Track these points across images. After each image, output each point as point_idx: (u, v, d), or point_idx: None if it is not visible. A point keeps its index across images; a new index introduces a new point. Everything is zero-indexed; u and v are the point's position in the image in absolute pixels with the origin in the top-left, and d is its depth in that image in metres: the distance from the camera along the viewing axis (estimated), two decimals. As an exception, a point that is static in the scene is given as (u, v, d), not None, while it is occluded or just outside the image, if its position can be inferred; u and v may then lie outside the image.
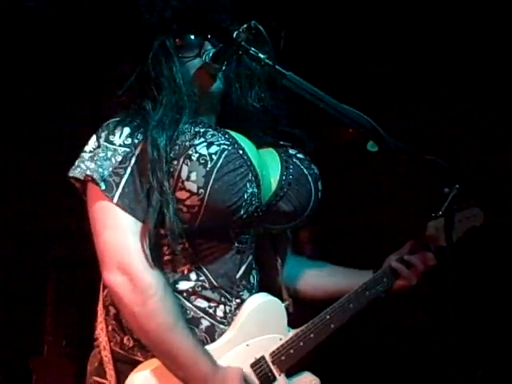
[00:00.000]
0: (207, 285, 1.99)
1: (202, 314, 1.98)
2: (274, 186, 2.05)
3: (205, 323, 1.98)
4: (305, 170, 2.10)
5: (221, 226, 1.98)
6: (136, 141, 1.94)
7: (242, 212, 1.94)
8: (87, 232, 1.97)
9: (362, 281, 2.16)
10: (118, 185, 1.90)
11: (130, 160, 1.92)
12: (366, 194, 3.37)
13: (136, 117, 1.98)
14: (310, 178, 2.09)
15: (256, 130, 2.12)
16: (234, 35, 1.88)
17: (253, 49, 1.90)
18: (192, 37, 2.03)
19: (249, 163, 1.97)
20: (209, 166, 1.89)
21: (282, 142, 2.15)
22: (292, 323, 2.08)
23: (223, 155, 1.92)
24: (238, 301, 2.03)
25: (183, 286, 1.98)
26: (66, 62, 3.43)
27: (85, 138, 1.99)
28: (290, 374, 2.06)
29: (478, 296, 3.12)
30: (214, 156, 1.91)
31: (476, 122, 3.25)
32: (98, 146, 1.94)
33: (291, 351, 2.03)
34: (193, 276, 1.98)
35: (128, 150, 1.93)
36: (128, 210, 1.90)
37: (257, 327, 2.02)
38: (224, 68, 2.00)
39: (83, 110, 3.45)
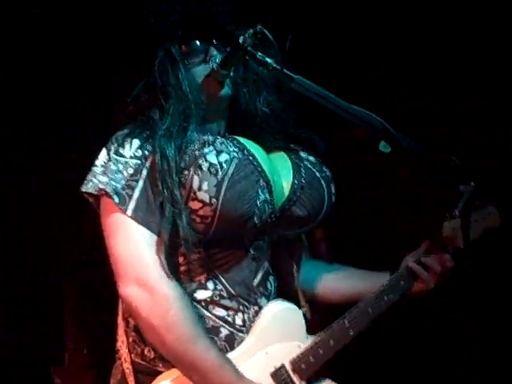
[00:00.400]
0: (225, 293, 1.99)
1: (221, 323, 1.98)
2: (286, 190, 2.04)
3: (224, 332, 1.98)
4: (317, 173, 2.09)
5: (235, 234, 1.97)
6: (146, 152, 1.94)
7: (256, 219, 1.93)
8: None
9: (379, 283, 2.13)
10: (131, 197, 1.90)
11: (142, 172, 1.92)
12: (380, 193, 3.35)
13: (144, 128, 1.98)
14: (322, 181, 2.08)
15: (266, 135, 2.11)
16: (241, 40, 1.87)
17: (259, 53, 1.89)
18: (197, 42, 2.03)
19: (260, 169, 1.96)
20: (220, 174, 1.89)
21: (292, 146, 2.14)
22: (309, 329, 2.06)
23: (233, 163, 1.92)
24: (256, 308, 2.02)
25: (201, 295, 1.98)
26: (73, 72, 3.43)
27: (95, 149, 1.99)
28: (310, 381, 2.03)
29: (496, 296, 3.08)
30: (224, 164, 1.90)
31: (481, 121, 3.21)
32: (109, 160, 1.94)
33: (311, 359, 2.01)
34: (210, 285, 1.98)
35: (139, 162, 1.93)
36: (142, 222, 1.90)
37: (275, 334, 2.01)
38: (231, 74, 1.99)
39: (91, 118, 3.45)
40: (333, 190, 2.10)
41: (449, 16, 3.16)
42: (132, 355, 1.99)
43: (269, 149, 2.11)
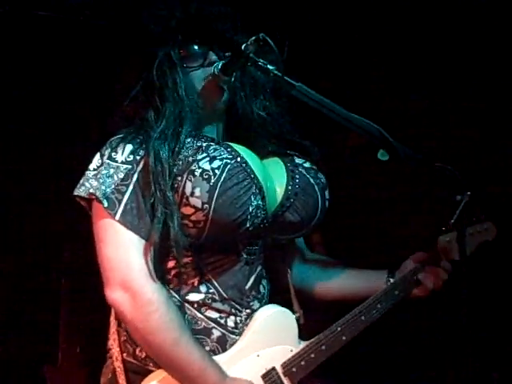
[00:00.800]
0: (217, 297, 2.00)
1: (213, 325, 2.00)
2: (280, 196, 2.05)
3: (216, 333, 2.00)
4: (311, 180, 2.09)
5: (228, 239, 1.98)
6: (138, 157, 1.96)
7: (248, 225, 1.94)
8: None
9: (376, 282, 2.17)
10: (120, 202, 1.92)
11: (132, 177, 1.94)
12: (377, 199, 3.37)
13: (139, 133, 1.99)
14: (316, 188, 2.09)
15: (261, 139, 2.13)
16: (243, 47, 1.89)
17: (261, 60, 1.91)
18: (196, 47, 2.04)
19: (252, 176, 1.97)
20: (212, 181, 1.90)
21: (287, 151, 2.15)
22: (303, 334, 2.08)
23: (226, 169, 1.93)
24: (248, 311, 2.03)
25: (194, 297, 1.99)
26: (73, 73, 3.44)
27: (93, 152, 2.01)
28: (301, 386, 2.05)
29: (492, 298, 3.10)
30: (217, 171, 1.92)
31: (483, 126, 3.24)
32: (102, 164, 1.96)
33: (302, 363, 2.03)
34: (203, 288, 2.00)
35: (130, 166, 1.95)
36: (130, 226, 1.91)
37: (267, 338, 2.02)
38: (233, 79, 2.02)
39: (93, 120, 3.47)
40: (327, 196, 2.11)
41: (449, 16, 3.17)
42: (124, 354, 2.01)
43: (264, 153, 2.12)
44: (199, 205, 1.89)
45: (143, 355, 1.98)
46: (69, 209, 2.17)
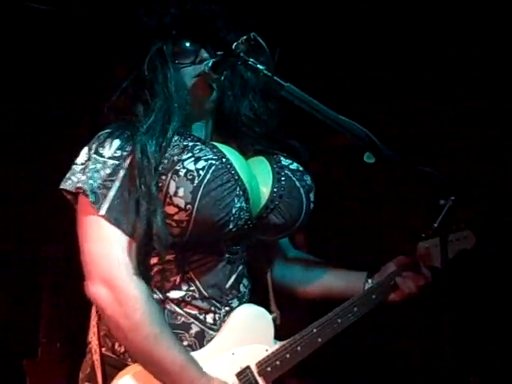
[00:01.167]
0: (197, 295, 2.01)
1: (192, 320, 2.01)
2: (264, 198, 2.06)
3: (195, 328, 2.01)
4: (297, 183, 2.10)
5: (211, 239, 1.99)
6: (125, 153, 1.96)
7: (231, 226, 1.95)
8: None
9: (355, 283, 2.20)
10: (105, 197, 1.92)
11: (119, 173, 1.94)
12: (362, 200, 3.37)
13: (127, 128, 2.00)
14: (301, 191, 2.09)
15: (248, 139, 2.14)
16: (234, 46, 1.90)
17: (251, 60, 1.92)
18: (188, 44, 2.05)
19: (237, 178, 1.98)
20: (196, 181, 1.91)
21: (275, 152, 2.15)
22: (279, 335, 2.09)
23: (210, 170, 1.93)
24: (227, 308, 2.04)
25: (174, 294, 2.00)
26: (65, 66, 3.43)
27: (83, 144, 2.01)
28: (275, 385, 2.06)
29: (474, 302, 3.12)
30: (201, 171, 1.92)
31: (477, 133, 3.25)
32: (89, 159, 1.97)
33: (277, 363, 2.03)
34: (184, 286, 2.00)
35: (117, 162, 1.95)
36: (115, 222, 1.92)
37: (243, 336, 2.03)
38: (223, 78, 2.03)
39: (81, 114, 3.46)
40: (312, 199, 2.11)
41: (449, 16, 3.18)
42: (103, 349, 2.02)
43: (250, 153, 2.14)
44: (182, 205, 1.90)
45: (122, 350, 1.98)
46: (50, 203, 2.16)
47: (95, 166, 1.94)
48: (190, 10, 2.03)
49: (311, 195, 2.12)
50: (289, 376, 2.07)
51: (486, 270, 3.17)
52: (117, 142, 1.97)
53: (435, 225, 2.02)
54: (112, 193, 1.93)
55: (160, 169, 1.93)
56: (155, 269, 1.99)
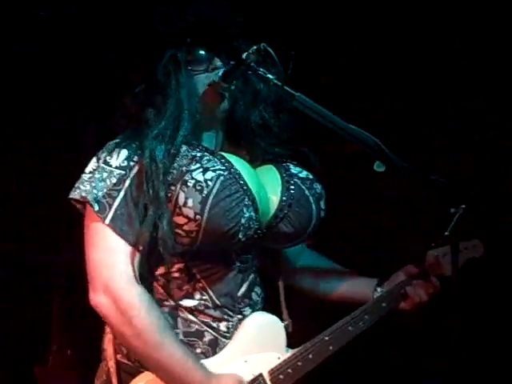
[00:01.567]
0: (210, 304, 2.03)
1: (205, 328, 2.02)
2: (273, 207, 2.07)
3: (208, 336, 2.02)
4: (306, 191, 2.11)
5: (221, 249, 2.01)
6: (132, 163, 1.98)
7: (241, 236, 1.97)
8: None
9: (364, 290, 2.23)
10: (110, 206, 1.95)
11: (125, 182, 1.96)
12: (371, 209, 3.37)
13: (136, 137, 2.01)
14: (311, 199, 2.10)
15: (258, 147, 2.15)
16: (244, 56, 1.91)
17: (262, 69, 1.94)
18: (202, 52, 2.06)
19: (245, 188, 1.99)
20: (205, 192, 1.93)
21: (284, 160, 2.16)
22: (291, 342, 2.10)
23: (219, 181, 1.95)
24: (239, 317, 2.06)
25: (187, 303, 2.02)
26: (70, 72, 3.43)
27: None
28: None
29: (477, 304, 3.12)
30: (209, 182, 1.94)
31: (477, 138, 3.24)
32: (97, 168, 1.99)
33: (289, 370, 2.04)
34: (196, 295, 2.02)
35: (123, 172, 1.97)
36: (119, 231, 1.94)
37: (255, 344, 2.05)
38: (234, 87, 2.04)
39: (88, 126, 3.47)
40: (322, 207, 2.12)
41: (448, 17, 3.18)
42: (118, 356, 2.03)
43: (260, 162, 2.15)
44: (192, 215, 1.92)
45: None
46: (63, 211, 2.18)
47: (101, 175, 1.97)
48: (205, 19, 2.04)
49: (321, 203, 2.13)
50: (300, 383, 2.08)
51: (486, 271, 3.16)
52: (124, 152, 1.99)
53: (446, 233, 2.02)
54: (117, 202, 1.95)
55: (169, 179, 1.95)
56: (167, 277, 2.01)
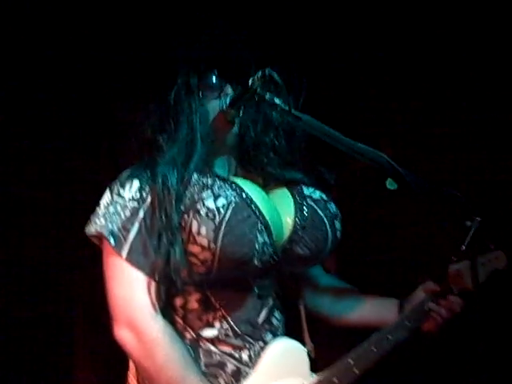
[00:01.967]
0: (231, 333, 2.01)
1: (227, 358, 2.01)
2: (288, 230, 2.06)
3: (231, 367, 2.01)
4: (320, 212, 2.10)
5: (238, 275, 2.00)
6: (144, 194, 1.99)
7: (256, 262, 1.96)
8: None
9: (386, 311, 2.21)
10: (126, 240, 1.96)
11: (138, 213, 1.97)
12: (388, 226, 3.35)
13: (148, 166, 2.02)
14: (325, 220, 2.09)
15: (270, 170, 2.14)
16: (250, 82, 1.91)
17: (268, 94, 1.93)
18: (214, 78, 2.06)
19: (257, 213, 1.98)
20: (217, 220, 1.92)
21: (297, 181, 2.15)
22: (314, 367, 2.08)
23: (231, 207, 1.95)
24: (261, 344, 2.04)
25: (208, 333, 2.01)
26: (82, 91, 3.44)
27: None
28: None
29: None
30: (221, 209, 1.94)
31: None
32: (110, 201, 2.00)
33: None
34: (217, 324, 2.01)
35: (136, 203, 1.98)
36: (136, 264, 1.95)
37: (278, 371, 2.03)
38: (242, 113, 2.03)
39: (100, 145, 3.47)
40: (337, 227, 2.11)
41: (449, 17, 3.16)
42: None
43: (272, 185, 2.15)
44: (206, 244, 1.91)
45: None
46: (83, 237, 2.19)
47: (115, 208, 1.98)
48: (219, 46, 2.06)
49: (337, 223, 2.11)
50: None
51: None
52: (137, 183, 2.00)
53: (463, 247, 2.01)
54: (132, 235, 1.96)
55: (182, 207, 1.95)
56: (186, 308, 2.01)
